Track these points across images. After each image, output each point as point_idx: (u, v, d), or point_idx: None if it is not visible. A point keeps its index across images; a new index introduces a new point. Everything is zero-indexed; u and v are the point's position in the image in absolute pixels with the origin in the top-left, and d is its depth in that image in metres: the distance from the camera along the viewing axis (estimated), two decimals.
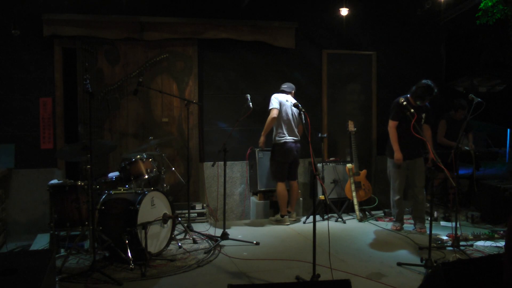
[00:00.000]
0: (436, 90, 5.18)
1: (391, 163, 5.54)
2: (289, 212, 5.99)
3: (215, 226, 5.53)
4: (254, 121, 6.47)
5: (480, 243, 4.87)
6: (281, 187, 5.89)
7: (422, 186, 5.45)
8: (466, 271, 2.57)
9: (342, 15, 6.13)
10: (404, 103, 4.81)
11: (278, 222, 5.92)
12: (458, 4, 6.53)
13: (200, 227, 5.66)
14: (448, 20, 6.96)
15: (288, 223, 5.87)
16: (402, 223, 5.58)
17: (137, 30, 5.98)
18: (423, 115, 5.33)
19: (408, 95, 5.32)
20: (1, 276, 2.51)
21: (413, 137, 5.24)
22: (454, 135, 6.00)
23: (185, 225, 5.34)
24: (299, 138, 5.91)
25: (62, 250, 4.65)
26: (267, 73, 6.60)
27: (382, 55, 7.07)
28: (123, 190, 4.67)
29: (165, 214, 4.62)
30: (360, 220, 6.01)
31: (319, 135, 6.11)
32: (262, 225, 5.94)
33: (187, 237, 5.19)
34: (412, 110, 4.58)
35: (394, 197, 5.53)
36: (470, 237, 5.04)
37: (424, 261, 4.08)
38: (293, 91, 6.02)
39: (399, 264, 4.25)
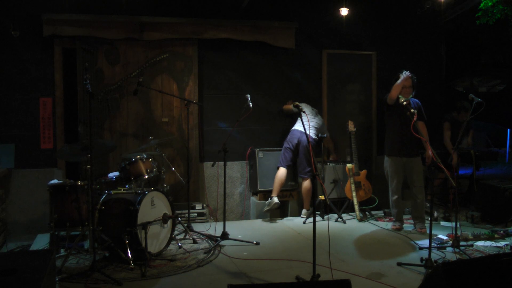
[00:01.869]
0: (404, 73, 5.25)
1: (387, 162, 5.55)
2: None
3: (215, 226, 5.52)
4: (254, 121, 6.48)
5: (480, 243, 4.87)
6: (279, 170, 6.11)
7: (421, 185, 5.42)
8: (466, 271, 2.57)
9: (342, 15, 6.13)
10: (404, 103, 4.74)
11: (268, 205, 5.95)
12: (458, 4, 6.53)
13: (200, 227, 5.66)
14: (448, 20, 6.96)
15: (277, 202, 5.90)
16: (402, 223, 5.58)
17: (137, 30, 5.98)
18: (415, 113, 5.29)
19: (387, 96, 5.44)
20: (1, 276, 2.51)
21: (409, 136, 5.18)
22: (457, 137, 6.00)
23: (185, 225, 5.34)
24: (313, 135, 6.05)
25: (62, 250, 4.64)
26: (267, 73, 6.60)
27: (382, 55, 7.07)
28: (123, 190, 4.67)
29: (165, 214, 4.62)
30: (360, 220, 6.00)
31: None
32: (262, 225, 5.94)
33: (187, 237, 5.19)
34: (412, 110, 4.55)
35: (392, 196, 5.54)
36: (470, 237, 5.04)
37: (424, 261, 4.08)
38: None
39: (399, 264, 4.25)
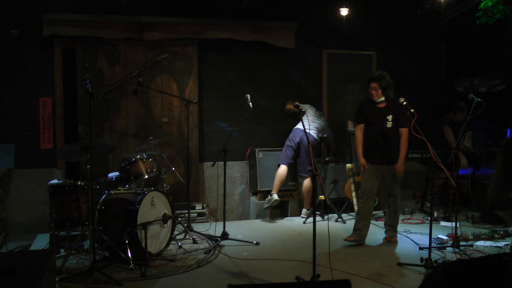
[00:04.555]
0: (377, 73, 4.87)
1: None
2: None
3: (215, 226, 5.52)
4: (254, 121, 6.48)
5: (480, 243, 4.87)
6: (280, 168, 6.09)
7: (395, 196, 4.96)
8: (466, 271, 2.57)
9: (342, 15, 6.14)
10: (404, 103, 4.56)
11: (268, 202, 5.94)
12: (458, 4, 6.53)
13: (200, 227, 5.66)
14: (448, 20, 6.96)
15: (276, 199, 5.89)
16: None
17: (137, 30, 5.98)
18: (390, 117, 4.85)
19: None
20: (1, 276, 2.51)
21: (384, 141, 4.84)
22: (457, 137, 5.99)
23: (185, 225, 5.34)
24: (315, 135, 6.05)
25: (62, 250, 4.64)
26: (267, 73, 6.61)
27: (382, 55, 7.07)
28: (123, 190, 4.67)
29: (165, 214, 4.62)
30: None
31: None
32: (262, 225, 5.94)
33: (187, 237, 5.19)
34: (412, 110, 4.50)
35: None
36: (470, 237, 5.04)
37: (424, 261, 4.08)
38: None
39: (399, 264, 4.25)
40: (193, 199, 6.19)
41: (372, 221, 5.96)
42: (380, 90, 4.85)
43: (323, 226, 4.69)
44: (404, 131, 4.85)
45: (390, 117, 4.86)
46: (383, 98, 4.88)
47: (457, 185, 4.74)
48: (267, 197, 6.09)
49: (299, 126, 6.19)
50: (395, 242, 5.01)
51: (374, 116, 4.93)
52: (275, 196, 5.94)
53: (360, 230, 4.94)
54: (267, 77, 6.61)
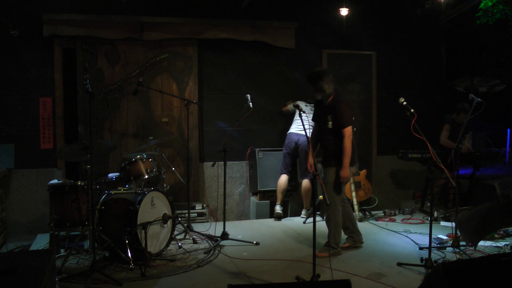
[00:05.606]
0: (311, 71, 4.58)
1: None
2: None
3: (215, 226, 5.52)
4: (254, 121, 6.48)
5: (480, 243, 4.86)
6: (280, 178, 6.07)
7: (329, 202, 4.08)
8: (466, 271, 2.57)
9: (342, 15, 6.14)
10: (404, 103, 4.39)
11: (274, 212, 6.05)
12: (458, 4, 6.53)
13: (200, 227, 5.66)
14: (448, 20, 6.97)
15: (277, 211, 5.98)
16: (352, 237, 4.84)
17: (137, 30, 5.98)
18: (330, 116, 4.49)
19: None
20: (1, 276, 2.51)
21: (324, 142, 4.58)
22: (457, 138, 5.98)
23: (185, 225, 5.34)
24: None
25: (62, 250, 4.64)
26: (267, 73, 6.61)
27: (382, 55, 7.07)
28: (123, 190, 4.67)
29: (165, 214, 4.62)
30: (360, 220, 5.99)
31: None
32: (262, 225, 5.94)
33: (187, 237, 5.19)
34: (412, 110, 4.45)
35: None
36: None
37: (424, 261, 4.08)
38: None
39: (399, 264, 4.25)
40: (193, 199, 6.19)
41: (371, 221, 5.99)
42: (316, 89, 4.49)
43: (323, 226, 4.70)
44: (345, 132, 4.37)
45: (329, 117, 4.48)
46: (320, 96, 4.56)
47: (457, 185, 4.74)
48: (267, 199, 6.13)
49: (292, 130, 6.11)
50: (321, 257, 4.31)
51: (320, 115, 4.65)
52: (277, 208, 6.03)
53: (352, 236, 4.80)
54: (267, 77, 6.61)
